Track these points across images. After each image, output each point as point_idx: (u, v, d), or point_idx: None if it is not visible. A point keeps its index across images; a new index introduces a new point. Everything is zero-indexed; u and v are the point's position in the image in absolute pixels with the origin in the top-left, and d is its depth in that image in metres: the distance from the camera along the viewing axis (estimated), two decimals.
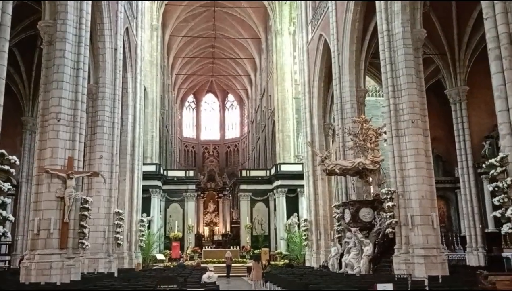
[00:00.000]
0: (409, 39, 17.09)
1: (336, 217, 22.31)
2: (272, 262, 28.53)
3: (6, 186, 9.72)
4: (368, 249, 16.97)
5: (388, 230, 16.43)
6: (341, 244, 20.76)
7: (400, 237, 16.16)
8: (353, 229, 17.80)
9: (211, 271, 13.70)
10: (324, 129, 28.35)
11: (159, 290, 8.19)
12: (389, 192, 16.31)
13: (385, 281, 9.69)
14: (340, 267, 18.89)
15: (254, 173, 40.23)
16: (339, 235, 22.17)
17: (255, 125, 58.50)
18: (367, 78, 26.50)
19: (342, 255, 19.14)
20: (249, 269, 24.61)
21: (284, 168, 36.09)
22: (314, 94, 28.53)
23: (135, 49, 28.75)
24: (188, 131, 72.80)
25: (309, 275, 15.93)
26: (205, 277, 13.17)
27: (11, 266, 23.94)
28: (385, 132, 17.61)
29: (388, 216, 16.37)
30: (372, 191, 19.67)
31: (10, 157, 10.07)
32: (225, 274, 26.52)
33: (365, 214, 18.42)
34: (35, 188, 14.85)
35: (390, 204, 16.19)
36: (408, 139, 16.36)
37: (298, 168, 34.42)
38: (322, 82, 28.04)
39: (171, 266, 26.67)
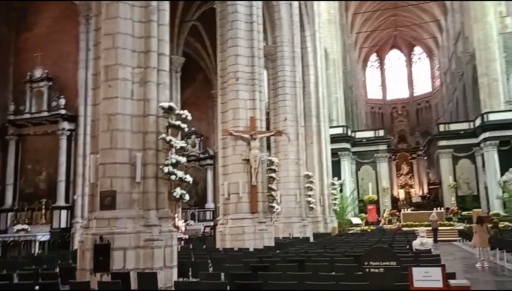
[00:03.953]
0: None
1: None
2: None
3: (179, 143, 8.96)
4: None
5: None
6: None
7: None
8: None
9: (422, 236, 11.20)
10: None
11: (368, 267, 5.96)
12: None
13: None
14: None
15: (454, 127, 35.32)
16: None
17: (449, 75, 51.93)
18: None
19: None
20: (462, 233, 21.20)
21: (493, 117, 30.57)
22: None
23: (312, 5, 27.11)
24: (373, 92, 69.03)
25: None
26: (416, 244, 10.81)
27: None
28: None
29: None
30: None
31: (181, 111, 9.32)
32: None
33: None
34: (222, 152, 14.56)
35: None
36: None
37: (511, 115, 28.82)
38: None
39: (369, 230, 24.82)
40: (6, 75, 22.12)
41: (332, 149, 27.21)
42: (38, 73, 20.88)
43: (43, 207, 19.58)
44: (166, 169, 8.97)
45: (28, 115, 20.72)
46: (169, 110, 9.28)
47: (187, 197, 9.35)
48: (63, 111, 20.07)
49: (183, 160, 9.16)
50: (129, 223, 8.78)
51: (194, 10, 26.43)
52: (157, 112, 9.37)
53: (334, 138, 29.69)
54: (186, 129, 9.61)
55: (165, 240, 8.98)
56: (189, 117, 9.49)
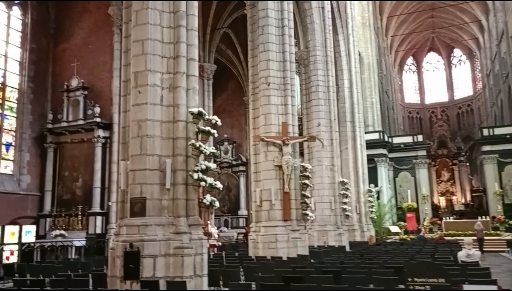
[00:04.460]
0: None
1: None
2: None
3: (209, 149, 8.79)
4: None
5: None
6: None
7: None
8: None
9: (468, 247, 10.48)
10: None
11: (412, 284, 5.18)
12: None
13: None
14: None
15: (499, 131, 33.80)
16: None
17: (493, 77, 50.01)
18: None
19: None
20: (510, 243, 20.04)
21: None
22: None
23: (344, 8, 26.65)
24: (411, 96, 67.37)
25: None
26: (462, 255, 10.07)
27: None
28: None
29: None
30: None
31: (211, 117, 9.16)
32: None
33: None
34: (253, 158, 14.32)
35: None
36: None
37: None
38: None
39: (408, 239, 23.96)
40: (45, 85, 22.76)
41: (368, 155, 26.54)
42: (74, 82, 21.34)
43: (80, 213, 19.92)
44: (195, 175, 8.81)
45: (65, 124, 21.20)
46: (199, 115, 9.15)
47: (217, 204, 9.17)
48: (98, 119, 20.40)
49: (212, 166, 8.99)
50: (159, 230, 8.66)
51: (225, 17, 26.47)
52: (186, 118, 9.26)
53: (370, 144, 28.98)
54: (216, 135, 9.45)
55: (195, 247, 8.80)
56: (219, 123, 9.32)
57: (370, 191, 24.43)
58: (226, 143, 31.15)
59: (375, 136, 32.58)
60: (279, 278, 8.43)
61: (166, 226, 8.75)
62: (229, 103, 31.58)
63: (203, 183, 8.88)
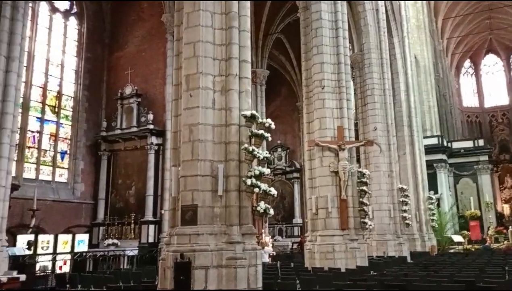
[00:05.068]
0: None
1: None
2: None
3: (262, 153, 8.32)
4: None
5: None
6: None
7: None
8: None
9: None
10: None
11: None
12: None
13: None
14: None
15: None
16: None
17: None
18: None
19: None
20: None
21: None
22: None
23: (399, 10, 25.64)
24: (469, 100, 64.31)
25: None
26: None
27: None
28: None
29: None
30: None
31: (264, 120, 8.74)
32: None
33: None
34: (308, 164, 13.77)
35: None
36: None
37: None
38: None
39: (472, 249, 22.44)
40: (100, 93, 23.24)
41: (426, 161, 25.20)
42: (128, 90, 21.61)
43: (132, 221, 19.95)
44: (249, 181, 8.36)
45: (119, 131, 21.46)
46: (252, 118, 8.71)
47: (271, 212, 8.65)
48: (151, 126, 20.50)
49: (267, 171, 8.50)
50: (211, 240, 8.25)
51: (277, 22, 26.16)
52: (239, 121, 8.85)
53: (429, 149, 27.58)
54: (270, 139, 8.97)
55: (248, 258, 8.32)
56: (273, 126, 8.84)
57: (430, 198, 23.11)
58: (279, 149, 30.65)
59: (434, 141, 31.08)
60: None
61: (218, 235, 8.33)
62: (282, 109, 31.13)
63: (256, 189, 8.41)
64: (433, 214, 23.13)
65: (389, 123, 19.52)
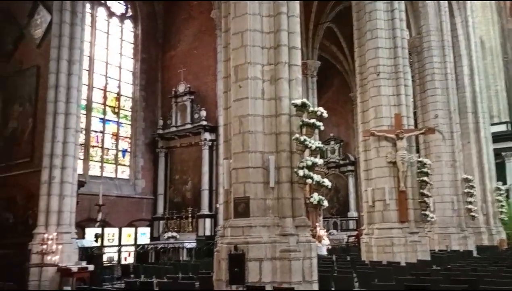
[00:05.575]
0: None
1: None
2: None
3: (315, 143, 8.01)
4: None
5: None
6: None
7: None
8: None
9: None
10: None
11: None
12: None
13: None
14: None
15: None
16: None
17: None
18: None
19: None
20: None
21: None
22: None
23: None
24: None
25: None
26: None
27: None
28: None
29: None
30: None
31: (316, 108, 8.44)
32: None
33: None
34: (363, 155, 13.25)
35: None
36: None
37: None
38: None
39: None
40: (155, 92, 23.78)
41: (494, 149, 23.68)
42: (181, 88, 21.95)
43: (190, 215, 20.38)
44: (301, 172, 8.09)
45: (174, 129, 21.89)
46: (302, 107, 8.43)
47: (325, 203, 8.34)
48: (204, 123, 20.72)
49: (319, 161, 8.19)
50: (264, 232, 8.10)
51: (328, 11, 25.44)
52: (289, 111, 8.61)
53: (496, 137, 25.83)
54: (322, 128, 8.63)
55: (303, 251, 8.09)
56: (325, 114, 8.52)
57: (498, 189, 21.68)
58: (332, 142, 29.94)
59: (502, 128, 29.11)
60: (401, 287, 7.38)
61: (271, 227, 8.16)
62: (335, 101, 30.34)
63: (309, 180, 8.13)
64: (502, 206, 21.69)
65: (451, 110, 18.45)
